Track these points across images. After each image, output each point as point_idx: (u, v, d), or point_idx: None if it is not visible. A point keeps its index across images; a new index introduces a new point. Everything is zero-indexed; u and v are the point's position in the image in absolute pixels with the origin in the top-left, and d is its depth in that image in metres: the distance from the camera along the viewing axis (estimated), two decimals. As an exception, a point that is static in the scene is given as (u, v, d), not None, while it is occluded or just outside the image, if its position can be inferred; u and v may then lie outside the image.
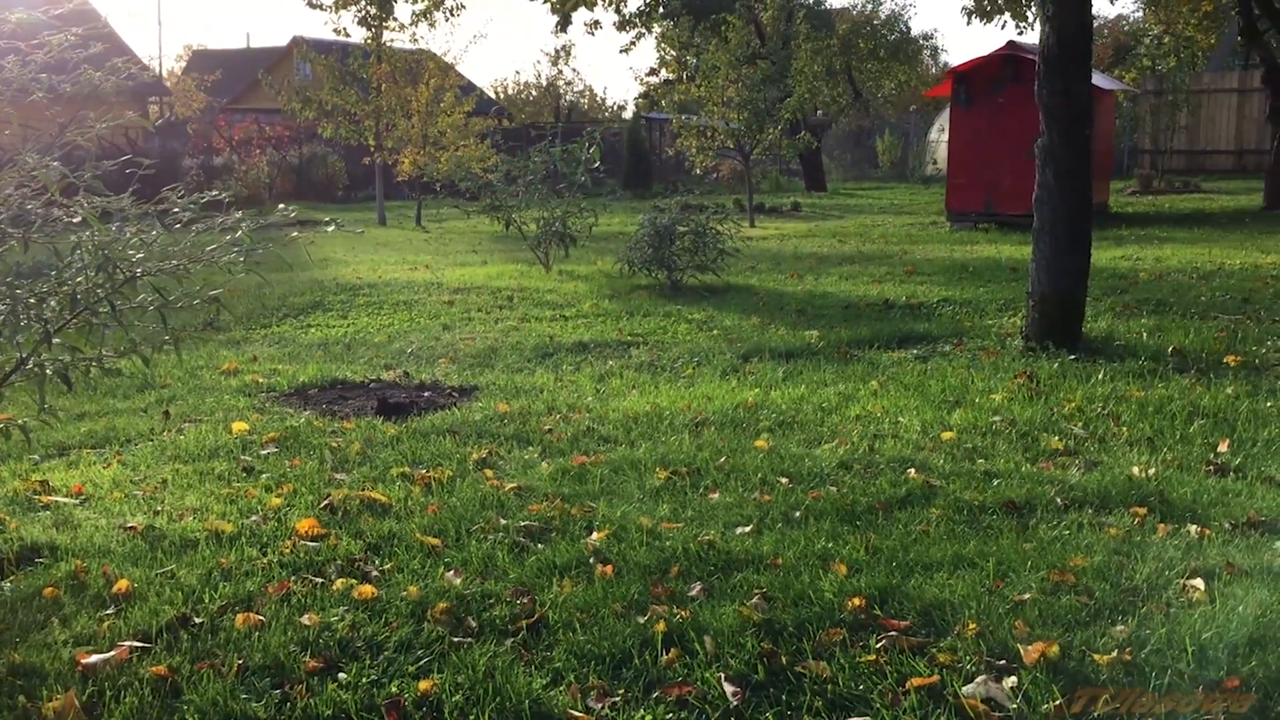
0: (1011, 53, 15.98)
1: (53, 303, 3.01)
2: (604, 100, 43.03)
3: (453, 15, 20.98)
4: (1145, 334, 7.53)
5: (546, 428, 5.59)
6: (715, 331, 8.50)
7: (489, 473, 4.82)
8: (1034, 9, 22.34)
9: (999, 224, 15.80)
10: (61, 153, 3.21)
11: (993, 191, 15.92)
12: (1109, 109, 17.63)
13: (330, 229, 3.86)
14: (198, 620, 3.34)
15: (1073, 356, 6.85)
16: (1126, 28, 34.80)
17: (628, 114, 38.73)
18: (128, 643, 3.18)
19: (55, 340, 3.20)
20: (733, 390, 6.45)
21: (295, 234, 3.34)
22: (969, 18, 24.02)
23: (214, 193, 3.18)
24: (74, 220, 2.90)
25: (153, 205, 3.05)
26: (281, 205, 3.38)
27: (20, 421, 3.41)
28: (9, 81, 3.40)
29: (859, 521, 4.09)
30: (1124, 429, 5.31)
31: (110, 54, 4.14)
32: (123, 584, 3.58)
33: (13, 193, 2.86)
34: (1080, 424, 5.44)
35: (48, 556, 3.89)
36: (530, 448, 5.28)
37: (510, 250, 14.66)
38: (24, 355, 3.18)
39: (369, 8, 20.29)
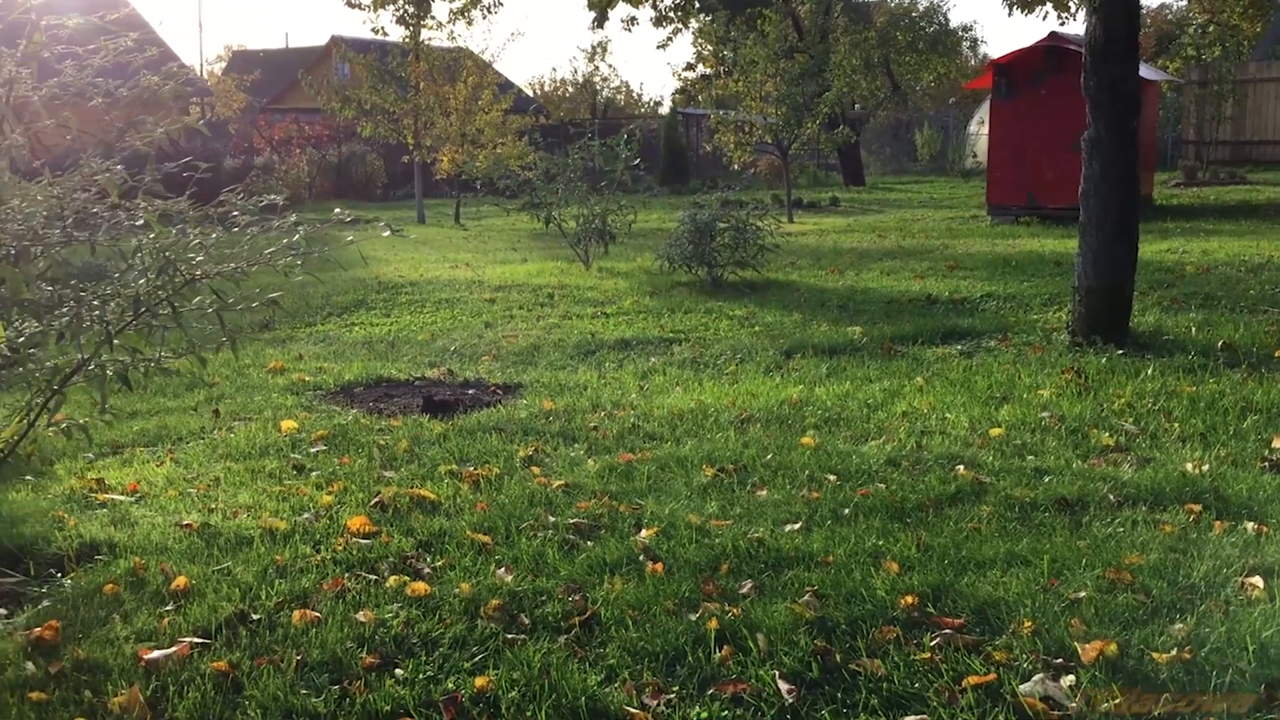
0: (1054, 43, 15.81)
1: (114, 305, 3.06)
2: (640, 96, 43.01)
3: (490, 13, 21.07)
4: (1194, 328, 7.44)
5: (592, 425, 5.61)
6: (757, 328, 8.49)
7: (536, 470, 4.84)
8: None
9: (1041, 218, 15.64)
10: (120, 156, 3.26)
11: (1035, 185, 15.76)
12: (1153, 100, 17.41)
13: (385, 233, 3.89)
14: (256, 617, 3.39)
15: (1121, 351, 6.78)
16: (1170, 17, 34.33)
17: (664, 110, 38.71)
18: (188, 639, 3.23)
19: (115, 341, 3.25)
20: (777, 387, 6.44)
21: (350, 238, 3.37)
22: (1010, 9, 23.78)
23: (271, 196, 3.22)
24: (136, 223, 2.95)
25: (213, 208, 3.09)
26: (336, 210, 3.42)
27: (81, 421, 3.47)
28: (66, 86, 3.45)
29: (909, 519, 4.08)
30: (1176, 425, 5.25)
31: (163, 59, 4.20)
32: (181, 581, 3.63)
33: (78, 196, 2.92)
34: (1131, 420, 5.38)
35: (107, 554, 3.95)
36: (576, 445, 5.30)
37: (550, 248, 14.71)
38: (85, 356, 3.23)
39: (407, 6, 20.41)
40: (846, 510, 4.17)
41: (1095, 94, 7.08)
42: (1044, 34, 16.32)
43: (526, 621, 3.32)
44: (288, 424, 5.74)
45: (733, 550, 3.78)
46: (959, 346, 7.45)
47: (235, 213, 3.12)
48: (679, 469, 4.79)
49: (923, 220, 17.50)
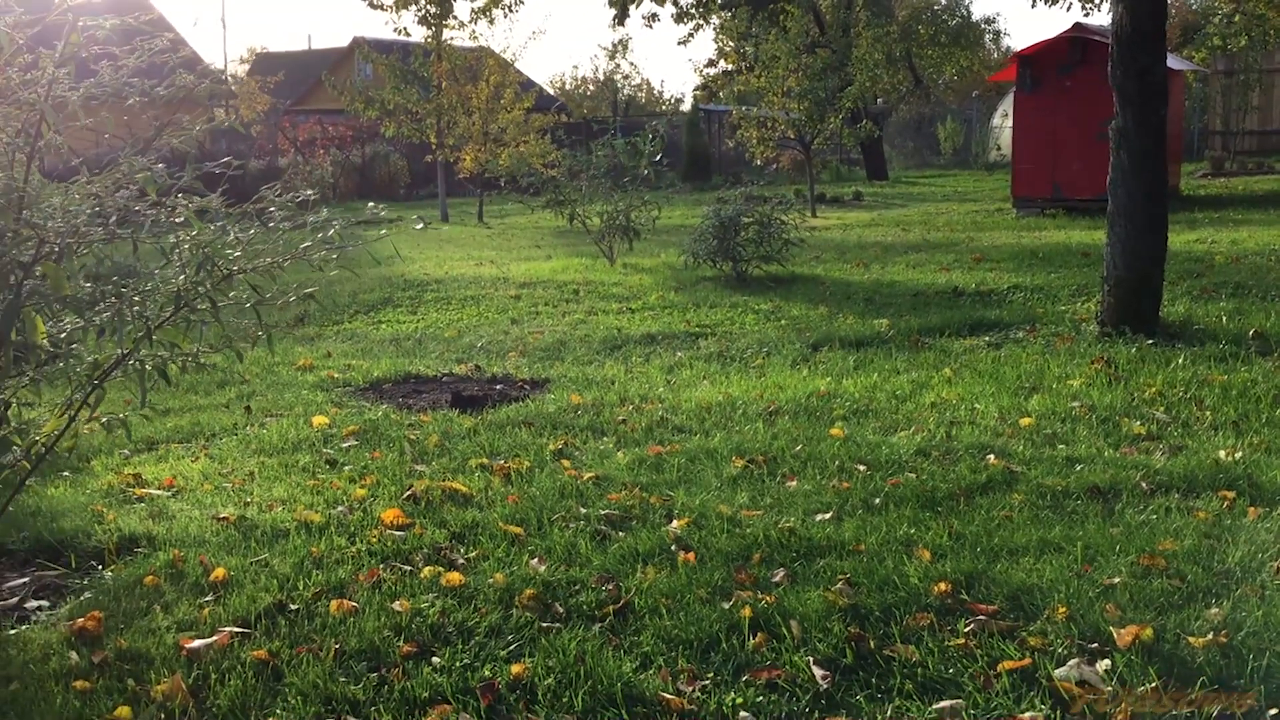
0: (1079, 34, 15.72)
1: (154, 300, 3.11)
2: (661, 94, 43.03)
3: (511, 11, 21.13)
4: (1224, 318, 7.39)
5: (620, 418, 5.64)
6: (783, 321, 8.49)
7: (566, 463, 4.87)
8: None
9: (1067, 209, 15.55)
10: (157, 155, 3.31)
11: (1060, 176, 15.67)
12: (1179, 90, 17.28)
13: (419, 225, 3.91)
14: (293, 607, 3.43)
15: (1150, 341, 6.75)
16: (1195, 6, 34.04)
17: (685, 107, 38.70)
18: (228, 628, 3.28)
19: (154, 337, 3.30)
20: (804, 379, 6.45)
21: (384, 231, 3.40)
22: (1034, 1, 23.62)
23: (307, 192, 3.26)
24: (176, 220, 3.00)
25: (252, 204, 3.14)
26: (371, 205, 3.46)
27: (122, 415, 3.53)
28: (104, 85, 3.50)
29: (940, 507, 4.08)
30: (1208, 413, 5.23)
31: (193, 61, 4.25)
32: (219, 572, 3.68)
33: (119, 195, 2.97)
34: (1162, 409, 5.36)
35: (146, 546, 4.01)
36: (605, 438, 5.33)
37: (573, 244, 14.74)
38: (124, 351, 3.28)
39: (429, 7, 20.50)
40: (877, 500, 4.18)
41: (1123, 83, 7.05)
42: (1068, 25, 16.23)
43: (561, 610, 3.35)
44: (319, 420, 5.80)
45: (764, 539, 3.80)
46: (987, 338, 7.43)
47: (272, 209, 3.16)
48: (708, 461, 4.81)
49: (947, 214, 17.44)
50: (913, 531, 3.82)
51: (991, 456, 4.64)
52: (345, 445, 5.34)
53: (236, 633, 3.26)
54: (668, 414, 5.69)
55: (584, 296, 10.18)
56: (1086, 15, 22.53)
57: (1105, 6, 20.46)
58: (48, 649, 3.23)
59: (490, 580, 3.55)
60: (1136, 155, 7.04)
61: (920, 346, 7.23)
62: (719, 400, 5.92)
